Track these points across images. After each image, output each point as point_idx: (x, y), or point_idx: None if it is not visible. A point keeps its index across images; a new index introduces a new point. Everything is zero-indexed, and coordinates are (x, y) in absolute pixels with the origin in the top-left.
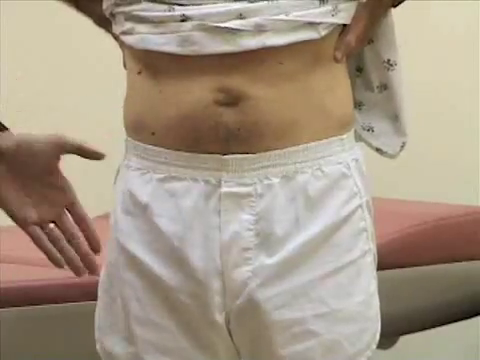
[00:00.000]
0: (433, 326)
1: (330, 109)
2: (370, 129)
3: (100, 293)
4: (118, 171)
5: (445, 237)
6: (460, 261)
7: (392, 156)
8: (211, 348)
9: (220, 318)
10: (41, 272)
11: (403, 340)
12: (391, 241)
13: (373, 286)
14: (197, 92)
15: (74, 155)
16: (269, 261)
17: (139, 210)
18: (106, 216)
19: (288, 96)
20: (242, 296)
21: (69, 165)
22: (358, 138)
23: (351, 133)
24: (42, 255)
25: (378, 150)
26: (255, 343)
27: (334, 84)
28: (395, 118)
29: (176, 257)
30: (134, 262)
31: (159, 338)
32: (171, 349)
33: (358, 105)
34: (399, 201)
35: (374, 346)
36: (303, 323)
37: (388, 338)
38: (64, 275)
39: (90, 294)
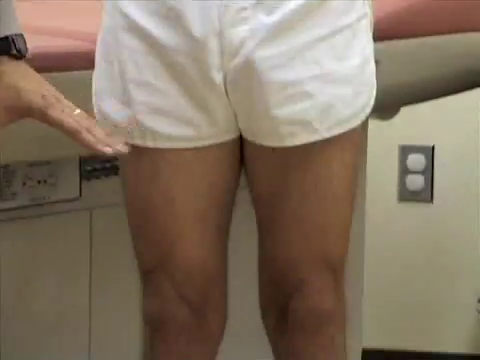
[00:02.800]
0: (434, 97)
1: None
2: None
3: (97, 58)
4: None
5: (451, 7)
6: (465, 32)
7: None
8: (209, 108)
9: (218, 77)
10: (42, 40)
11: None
12: (398, 11)
13: (368, 50)
14: None
15: None
16: (266, 21)
17: None
18: None
19: None
20: (239, 56)
21: None
22: None
23: None
24: (44, 24)
25: None
26: (251, 104)
27: None
28: None
29: (174, 18)
30: (132, 25)
31: (157, 99)
32: (169, 110)
33: None
34: None
35: (368, 110)
36: (298, 84)
37: (389, 109)
38: (65, 43)
39: (92, 62)
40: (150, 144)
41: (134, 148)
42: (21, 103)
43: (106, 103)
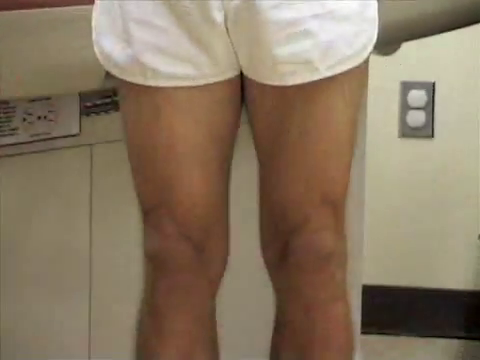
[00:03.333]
0: (435, 33)
1: None
2: None
3: None
4: None
5: None
6: None
7: None
8: (210, 47)
9: (219, 16)
10: None
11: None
12: None
13: None
14: None
15: None
16: None
17: None
18: None
19: None
20: None
21: None
22: None
23: None
24: None
25: None
26: (252, 43)
27: None
28: None
29: None
30: None
31: (158, 38)
32: (170, 49)
33: None
34: None
35: (370, 48)
36: (299, 23)
37: (391, 45)
38: None
39: None
40: (151, 82)
41: (134, 86)
42: None
43: (106, 40)
